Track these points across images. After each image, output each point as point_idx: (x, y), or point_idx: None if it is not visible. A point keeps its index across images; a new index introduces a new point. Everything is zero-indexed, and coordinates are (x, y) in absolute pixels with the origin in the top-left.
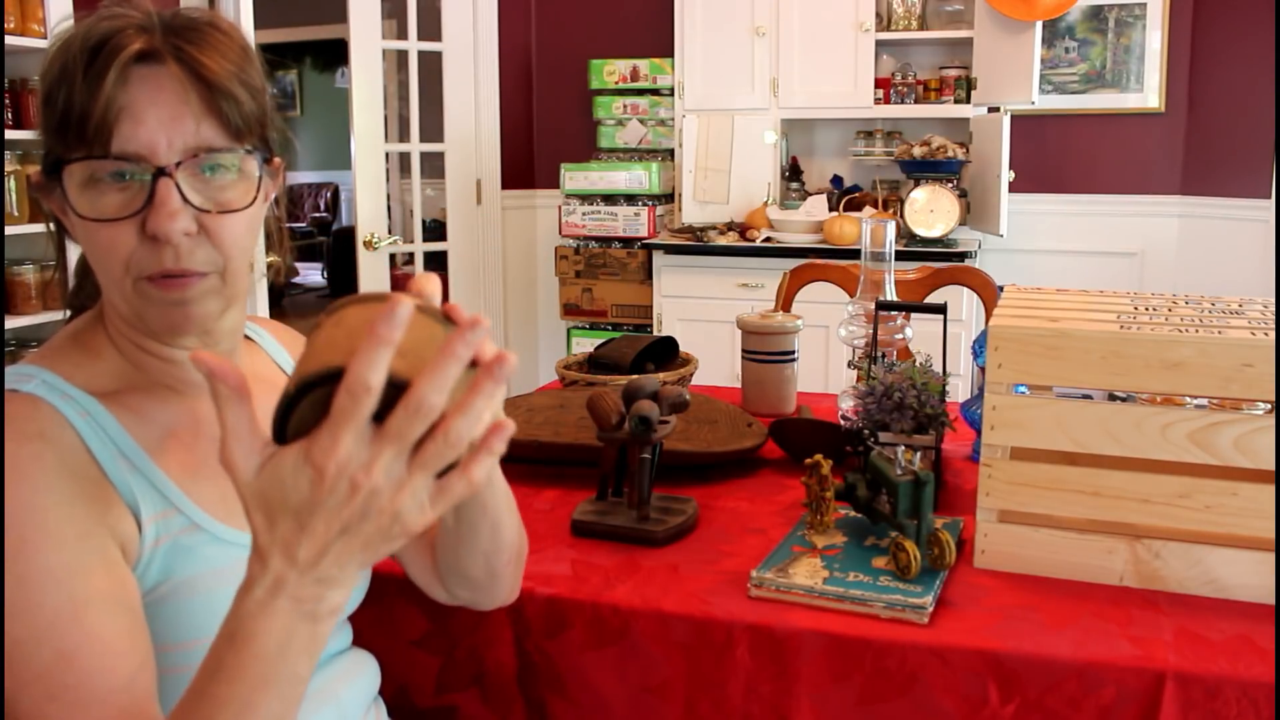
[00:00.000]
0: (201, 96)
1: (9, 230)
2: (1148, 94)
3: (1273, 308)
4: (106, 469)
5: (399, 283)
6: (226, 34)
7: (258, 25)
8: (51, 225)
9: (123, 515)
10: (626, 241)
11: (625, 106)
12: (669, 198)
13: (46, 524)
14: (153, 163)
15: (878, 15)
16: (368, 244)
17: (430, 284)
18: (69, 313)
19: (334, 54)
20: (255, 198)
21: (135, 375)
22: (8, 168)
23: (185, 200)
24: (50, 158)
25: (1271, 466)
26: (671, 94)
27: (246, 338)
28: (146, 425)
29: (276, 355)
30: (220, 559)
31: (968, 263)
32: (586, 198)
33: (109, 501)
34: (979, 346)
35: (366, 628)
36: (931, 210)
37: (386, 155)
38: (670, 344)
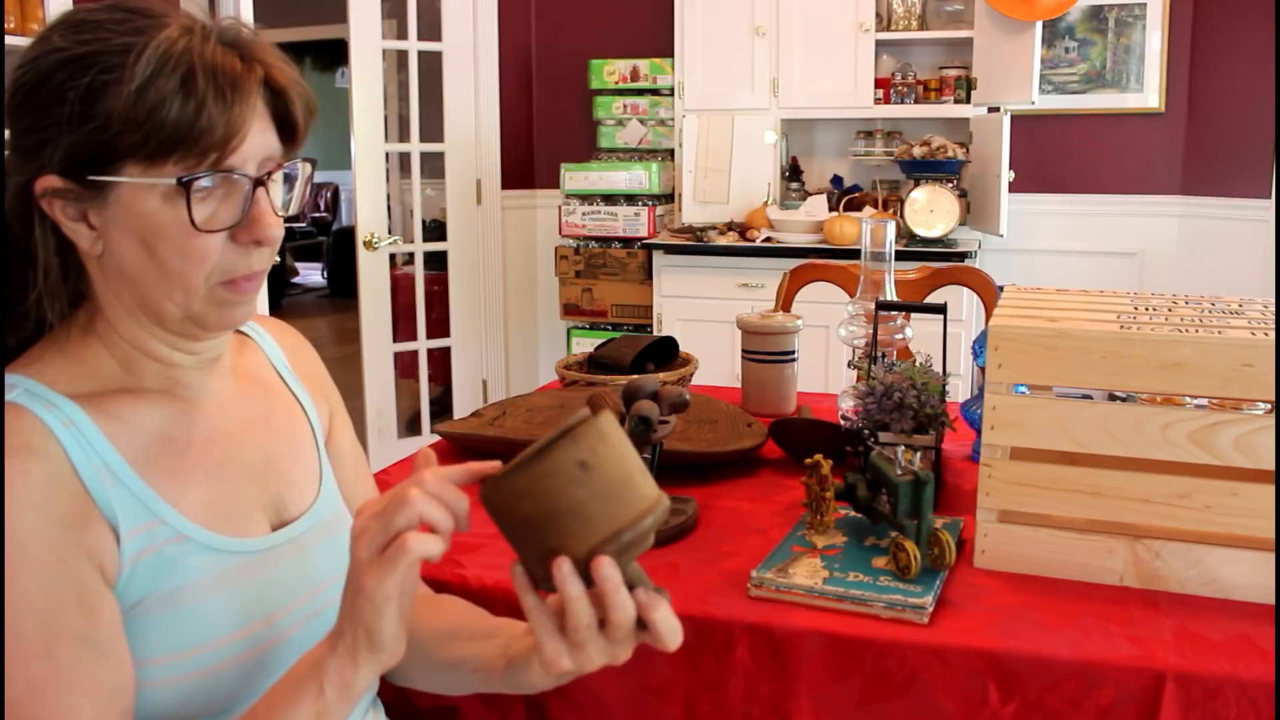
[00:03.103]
0: (283, 110)
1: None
2: (1148, 94)
3: (1273, 308)
4: (88, 483)
5: (399, 283)
6: (274, 48)
7: (258, 25)
8: (51, 244)
9: (102, 532)
10: (626, 241)
11: (625, 106)
12: (669, 198)
13: (25, 549)
14: (248, 174)
15: (878, 15)
16: (368, 244)
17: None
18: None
19: (334, 54)
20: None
21: (125, 379)
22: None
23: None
24: (102, 165)
25: (1271, 466)
26: (671, 94)
27: (242, 334)
28: (133, 432)
29: (272, 354)
30: (209, 567)
31: (968, 263)
32: (586, 198)
33: (89, 519)
34: (979, 346)
35: None
36: (931, 210)
37: (386, 155)
38: (670, 344)
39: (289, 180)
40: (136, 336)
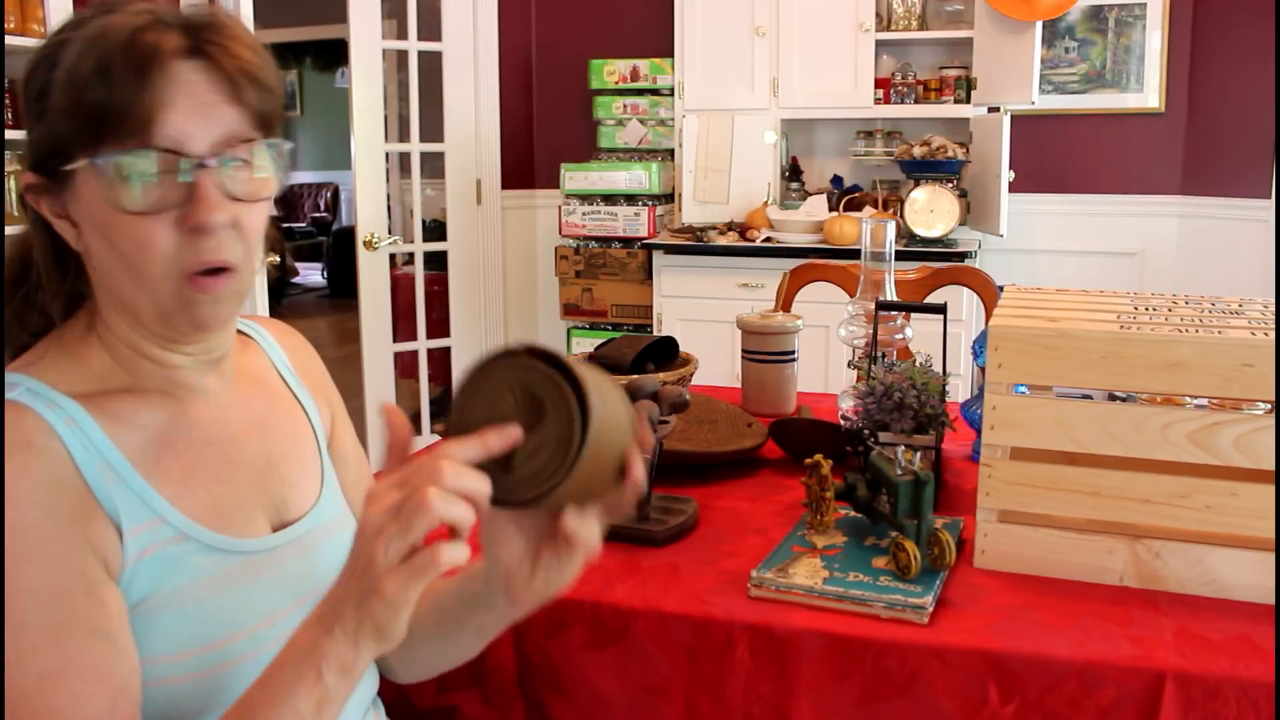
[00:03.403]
0: (227, 92)
1: (9, 230)
2: (1148, 94)
3: (1273, 308)
4: (90, 480)
5: (399, 283)
6: (243, 32)
7: (258, 25)
8: (47, 232)
9: (105, 528)
10: (626, 241)
11: (625, 106)
12: (669, 198)
13: (30, 542)
14: (190, 155)
15: (878, 15)
16: (368, 244)
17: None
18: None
19: (334, 54)
20: (276, 185)
21: (126, 379)
22: (8, 168)
23: (223, 191)
24: (61, 156)
25: (1271, 466)
26: (671, 94)
27: (243, 335)
28: (134, 431)
29: (274, 355)
30: (211, 567)
31: (968, 263)
32: (586, 198)
33: (92, 515)
34: (979, 346)
35: None
36: (931, 210)
37: (386, 155)
38: (670, 344)
39: (243, 161)
40: (129, 337)
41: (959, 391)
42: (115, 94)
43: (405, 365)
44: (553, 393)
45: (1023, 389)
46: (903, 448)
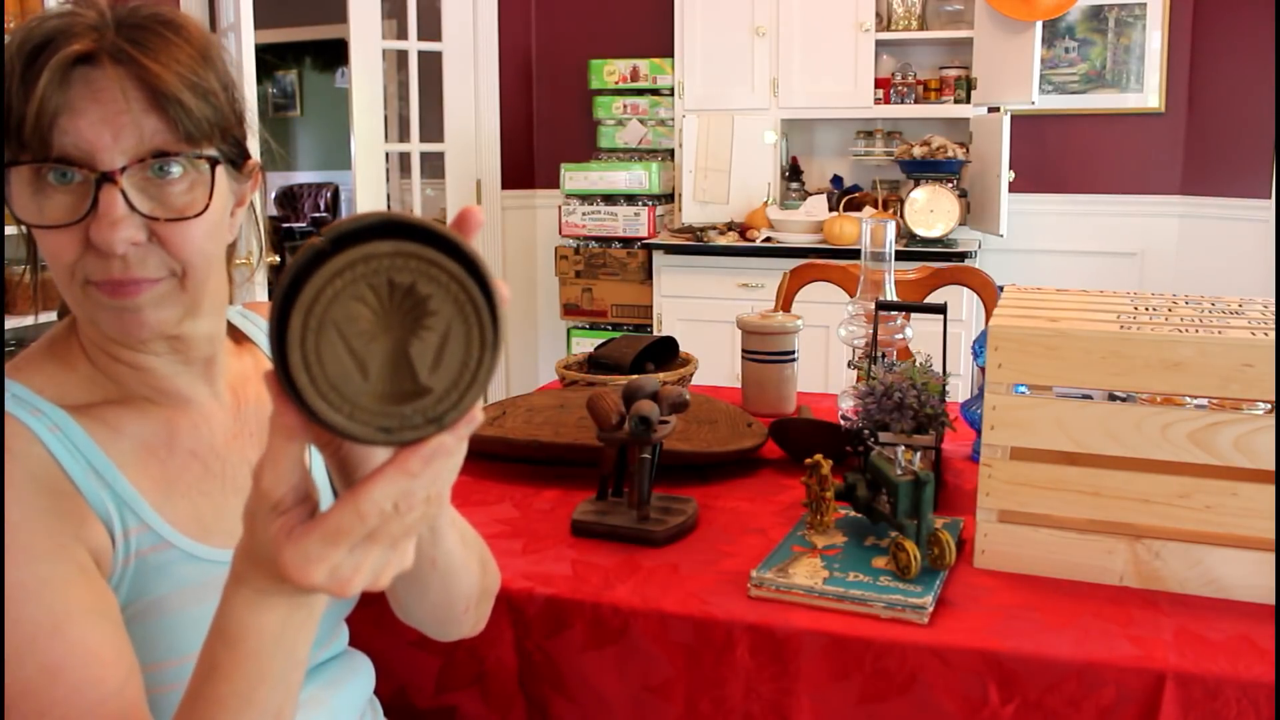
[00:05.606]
0: (145, 100)
1: (9, 230)
2: (1148, 94)
3: (1273, 308)
4: (78, 483)
5: None
6: (181, 33)
7: (258, 25)
8: (23, 227)
9: (97, 529)
10: (626, 241)
11: (625, 106)
12: (669, 198)
13: (17, 538)
14: (95, 167)
15: (878, 15)
16: None
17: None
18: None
19: (334, 54)
20: (210, 203)
21: (110, 387)
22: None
23: (132, 208)
24: (8, 164)
25: (1271, 466)
26: (671, 94)
27: (243, 337)
28: (120, 439)
29: (265, 343)
30: (193, 577)
31: (968, 263)
32: (586, 198)
33: (82, 515)
34: (979, 346)
35: (365, 628)
36: (931, 210)
37: (386, 155)
38: (670, 344)
39: (164, 174)
40: (98, 339)
41: (959, 391)
42: (12, 101)
43: None
44: (424, 269)
45: (1023, 389)
46: (903, 448)
